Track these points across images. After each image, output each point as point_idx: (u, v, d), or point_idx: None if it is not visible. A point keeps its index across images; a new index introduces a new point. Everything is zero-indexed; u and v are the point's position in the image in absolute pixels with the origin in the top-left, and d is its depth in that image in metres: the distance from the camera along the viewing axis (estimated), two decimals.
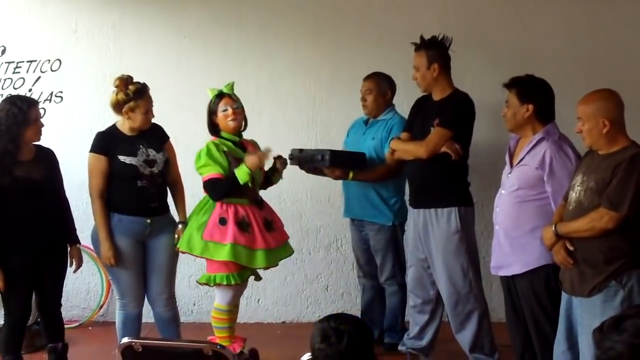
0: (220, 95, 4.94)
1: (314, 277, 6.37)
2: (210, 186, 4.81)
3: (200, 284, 5.04)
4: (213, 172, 4.79)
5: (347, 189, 5.65)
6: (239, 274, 4.90)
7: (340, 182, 5.63)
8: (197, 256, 4.90)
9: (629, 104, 4.00)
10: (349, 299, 6.34)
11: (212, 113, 4.95)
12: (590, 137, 3.92)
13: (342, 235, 6.22)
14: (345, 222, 5.90)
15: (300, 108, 6.16)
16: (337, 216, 5.89)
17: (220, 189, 4.81)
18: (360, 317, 5.71)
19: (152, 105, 4.92)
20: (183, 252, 4.91)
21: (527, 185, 4.37)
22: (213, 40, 6.36)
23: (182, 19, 6.36)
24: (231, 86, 4.97)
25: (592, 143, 3.94)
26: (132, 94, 4.83)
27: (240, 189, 4.81)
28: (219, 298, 5.02)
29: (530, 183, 4.35)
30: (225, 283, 4.87)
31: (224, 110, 4.89)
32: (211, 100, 4.95)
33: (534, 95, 4.41)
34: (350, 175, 5.42)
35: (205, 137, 6.13)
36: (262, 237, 4.86)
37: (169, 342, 3.89)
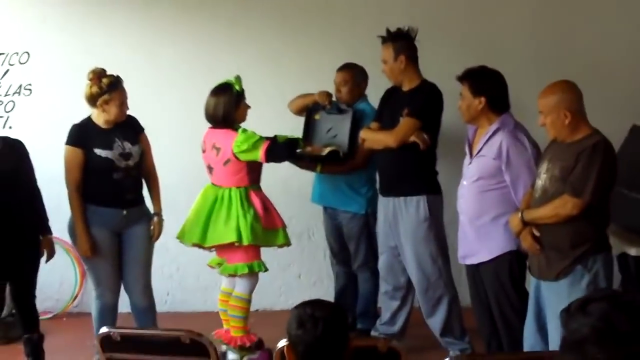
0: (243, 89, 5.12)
1: (286, 266, 6.43)
2: (278, 148, 5.07)
3: (232, 275, 5.18)
4: (265, 140, 5.01)
5: (319, 178, 5.71)
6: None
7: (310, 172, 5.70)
8: (262, 245, 5.14)
9: (589, 94, 4.10)
10: (321, 287, 6.40)
11: (236, 104, 5.10)
12: (553, 129, 4.01)
13: (313, 224, 6.28)
14: (317, 212, 5.95)
15: (270, 99, 6.19)
16: (309, 206, 5.94)
17: (283, 146, 5.11)
18: (334, 302, 5.82)
19: (126, 98, 4.96)
20: (242, 245, 5.03)
21: (487, 175, 4.47)
22: (183, 32, 6.37)
23: (153, 10, 6.37)
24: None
25: (556, 134, 4.03)
26: (106, 87, 4.85)
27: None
28: (244, 287, 5.19)
29: (490, 173, 4.45)
30: (263, 270, 5.14)
31: (245, 104, 5.14)
32: (237, 92, 5.09)
33: (486, 87, 4.50)
34: (319, 168, 5.51)
35: (175, 128, 6.23)
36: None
37: (147, 331, 3.93)
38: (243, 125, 5.18)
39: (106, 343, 3.41)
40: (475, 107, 4.50)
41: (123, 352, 3.45)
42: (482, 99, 4.48)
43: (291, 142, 5.21)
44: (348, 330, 2.72)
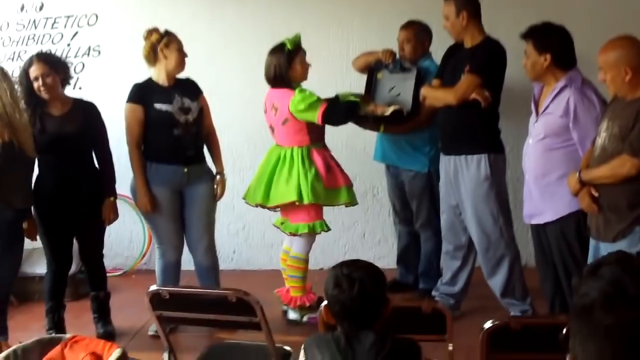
0: (298, 47, 5.09)
1: (350, 225, 6.45)
2: (336, 110, 5.05)
3: (293, 234, 5.19)
4: (323, 102, 5.00)
5: (382, 137, 5.69)
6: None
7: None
8: (324, 205, 5.14)
9: None
10: (385, 246, 6.42)
11: (289, 63, 5.08)
12: (613, 85, 3.90)
13: (378, 183, 6.28)
14: (381, 170, 5.94)
15: (334, 57, 6.17)
16: (373, 164, 5.93)
17: (341, 108, 5.09)
18: (396, 263, 5.83)
19: (183, 46, 5.03)
20: (303, 204, 5.06)
21: (553, 133, 4.37)
22: None
23: None
24: (300, 38, 5.13)
25: (616, 91, 3.92)
26: (164, 33, 4.98)
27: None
28: (300, 247, 5.21)
29: (556, 131, 4.36)
30: (325, 230, 5.16)
31: (302, 62, 5.10)
32: (289, 51, 5.07)
33: (551, 44, 4.39)
34: (381, 128, 5.47)
35: (239, 88, 6.27)
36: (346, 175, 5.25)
37: (194, 290, 4.00)
38: (306, 84, 5.16)
39: (156, 301, 3.47)
40: (541, 64, 4.41)
41: (172, 310, 3.51)
42: (548, 56, 4.38)
43: (350, 105, 5.15)
44: (385, 291, 2.72)
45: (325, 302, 2.79)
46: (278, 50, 5.11)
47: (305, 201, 5.03)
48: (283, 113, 5.06)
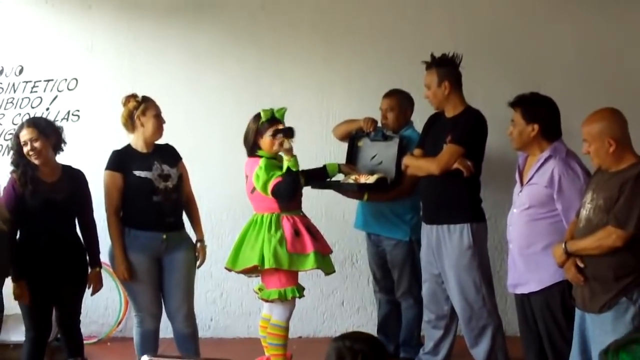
0: (271, 120, 5.06)
1: (329, 292, 6.40)
2: (282, 189, 4.97)
3: (265, 300, 5.15)
4: (277, 177, 4.96)
5: (363, 205, 5.67)
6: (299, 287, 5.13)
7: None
8: (289, 270, 5.04)
9: (635, 122, 4.04)
10: (364, 314, 6.37)
11: (257, 133, 5.07)
12: (597, 157, 3.95)
13: (357, 250, 6.25)
14: (360, 238, 5.93)
15: (314, 123, 6.20)
16: (352, 232, 5.93)
17: (288, 186, 4.98)
18: (377, 331, 5.79)
19: (161, 112, 5.04)
20: (275, 269, 5.00)
21: (537, 203, 4.40)
22: (227, 58, 6.41)
23: (197, 36, 6.41)
24: (283, 113, 5.11)
25: (600, 163, 3.97)
26: (141, 99, 5.00)
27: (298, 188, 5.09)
28: (279, 314, 5.15)
29: (541, 201, 4.38)
30: (297, 296, 5.08)
31: (273, 136, 5.03)
32: (261, 121, 5.06)
33: (540, 114, 4.44)
34: (366, 196, 5.47)
35: (220, 154, 6.26)
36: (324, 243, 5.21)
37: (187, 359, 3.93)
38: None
39: None
40: (528, 134, 4.45)
41: None
42: (536, 126, 4.43)
43: (290, 172, 5.04)
44: None
45: None
46: (254, 118, 5.13)
47: (266, 265, 4.98)
48: (251, 182, 5.09)
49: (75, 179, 5.04)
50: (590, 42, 6.08)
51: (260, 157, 5.06)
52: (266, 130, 5.06)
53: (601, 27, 6.07)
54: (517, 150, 4.62)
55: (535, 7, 6.15)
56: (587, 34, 6.08)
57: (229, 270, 5.23)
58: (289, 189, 4.99)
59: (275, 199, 4.99)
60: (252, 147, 5.12)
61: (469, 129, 4.97)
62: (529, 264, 4.48)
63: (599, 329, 3.88)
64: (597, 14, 6.04)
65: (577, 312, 4.13)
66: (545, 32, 6.12)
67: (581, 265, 3.98)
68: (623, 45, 6.05)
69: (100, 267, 5.10)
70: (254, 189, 5.08)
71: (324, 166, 5.23)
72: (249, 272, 5.22)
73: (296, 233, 5.05)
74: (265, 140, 5.07)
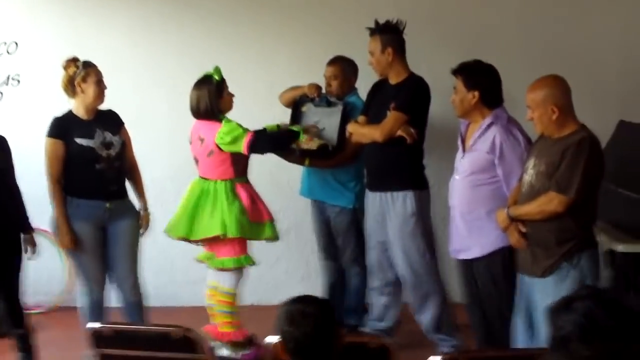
0: (223, 79, 5.06)
1: (274, 261, 6.39)
2: (259, 144, 5.01)
3: (220, 269, 5.14)
4: (249, 132, 4.97)
5: (308, 172, 5.68)
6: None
7: (299, 166, 5.67)
8: (248, 239, 5.10)
9: (577, 90, 4.08)
10: (309, 282, 6.35)
11: (218, 95, 5.05)
12: (541, 124, 4.00)
13: (302, 218, 6.24)
14: (305, 206, 5.92)
15: (260, 92, 6.16)
16: (297, 200, 5.91)
17: (268, 142, 5.10)
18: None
19: (102, 77, 4.96)
20: (229, 238, 5.01)
21: (479, 169, 4.45)
22: (171, 23, 6.34)
23: (143, 3, 6.33)
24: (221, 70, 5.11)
25: (543, 129, 4.02)
26: (82, 65, 4.90)
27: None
28: (230, 282, 5.15)
29: (483, 167, 4.43)
30: (251, 264, 5.13)
31: (229, 93, 5.09)
32: (218, 82, 5.05)
33: (480, 81, 4.48)
34: (307, 162, 5.47)
35: (163, 120, 6.19)
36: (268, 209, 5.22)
37: (137, 327, 3.92)
38: (230, 117, 5.13)
39: (97, 338, 3.41)
40: (469, 101, 4.48)
41: (114, 347, 3.45)
42: (476, 93, 4.46)
43: (277, 134, 5.19)
44: (338, 326, 2.73)
45: (276, 339, 2.76)
46: (205, 82, 5.07)
47: (230, 235, 4.98)
48: (209, 145, 5.03)
49: (2, 147, 4.92)
50: (534, 14, 6.12)
51: (217, 120, 5.03)
52: (224, 89, 5.05)
53: (542, 3, 6.12)
54: (459, 118, 4.65)
55: None
56: (531, 7, 6.12)
57: (185, 240, 5.19)
58: (268, 138, 5.09)
59: (251, 150, 4.98)
60: (211, 111, 5.05)
61: (412, 96, 4.98)
62: (471, 229, 4.53)
63: (542, 292, 3.95)
64: None
65: (520, 277, 4.19)
66: (490, 2, 6.14)
67: (523, 230, 4.04)
68: (566, 19, 6.10)
69: (33, 231, 5.02)
70: (211, 152, 5.03)
71: (264, 128, 5.20)
72: (206, 241, 5.19)
73: (253, 201, 5.07)
74: (226, 100, 5.06)
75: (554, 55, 5.89)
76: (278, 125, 5.36)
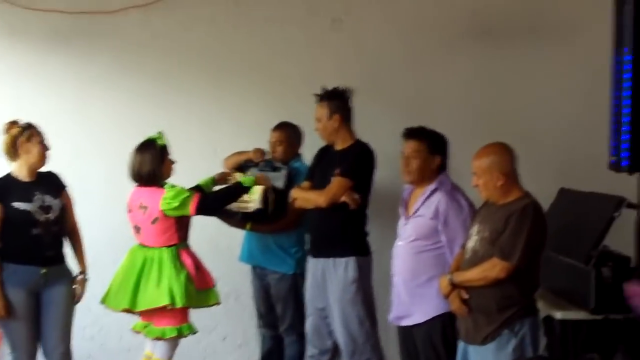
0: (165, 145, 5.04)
1: (212, 328, 6.28)
2: (209, 202, 5.01)
3: (159, 338, 4.99)
4: (195, 194, 4.94)
5: (249, 237, 5.64)
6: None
7: (240, 230, 5.62)
8: (195, 307, 5.02)
9: (519, 156, 4.16)
10: (247, 350, 6.27)
11: (161, 160, 5.01)
12: (486, 191, 4.06)
13: (241, 284, 6.15)
14: (245, 272, 5.86)
15: (204, 158, 6.11)
16: (237, 265, 5.85)
17: (215, 201, 5.09)
18: None
19: (45, 139, 4.91)
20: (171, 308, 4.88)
21: (423, 235, 4.48)
22: (113, 87, 6.28)
23: (84, 64, 6.25)
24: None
25: (488, 196, 4.08)
26: (25, 126, 4.87)
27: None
28: (164, 352, 5.03)
29: (426, 233, 4.47)
30: (193, 333, 5.05)
31: (170, 159, 5.05)
32: (162, 147, 5.02)
33: (443, 147, 4.59)
34: (248, 226, 5.44)
35: (102, 186, 6.11)
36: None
37: None
38: (174, 181, 5.09)
39: None
40: (435, 165, 4.56)
41: None
42: (438, 159, 4.55)
43: (225, 190, 5.21)
44: None
45: None
46: (149, 146, 5.01)
47: (179, 305, 4.87)
48: (153, 212, 4.94)
49: None
50: (480, 79, 6.19)
51: (160, 185, 4.97)
52: (166, 155, 5.00)
53: (492, 65, 6.19)
54: (413, 184, 4.67)
55: (426, 45, 6.24)
56: (477, 72, 6.20)
57: (128, 311, 5.04)
58: (217, 196, 5.14)
59: (200, 211, 4.94)
60: (153, 175, 4.98)
61: (357, 161, 5.02)
62: (413, 296, 4.53)
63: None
64: (488, 52, 6.16)
65: (460, 344, 4.19)
66: (435, 69, 6.20)
67: (465, 296, 4.05)
68: (504, 87, 6.21)
69: None
70: (155, 219, 4.94)
71: (197, 185, 5.20)
72: (148, 310, 5.02)
73: (197, 268, 5.00)
74: (167, 165, 5.02)
75: (497, 124, 5.97)
76: (213, 178, 5.38)
